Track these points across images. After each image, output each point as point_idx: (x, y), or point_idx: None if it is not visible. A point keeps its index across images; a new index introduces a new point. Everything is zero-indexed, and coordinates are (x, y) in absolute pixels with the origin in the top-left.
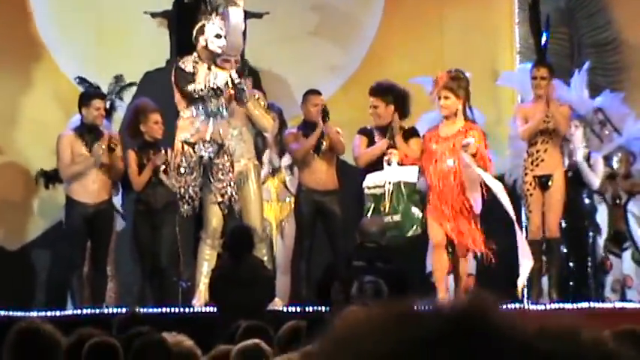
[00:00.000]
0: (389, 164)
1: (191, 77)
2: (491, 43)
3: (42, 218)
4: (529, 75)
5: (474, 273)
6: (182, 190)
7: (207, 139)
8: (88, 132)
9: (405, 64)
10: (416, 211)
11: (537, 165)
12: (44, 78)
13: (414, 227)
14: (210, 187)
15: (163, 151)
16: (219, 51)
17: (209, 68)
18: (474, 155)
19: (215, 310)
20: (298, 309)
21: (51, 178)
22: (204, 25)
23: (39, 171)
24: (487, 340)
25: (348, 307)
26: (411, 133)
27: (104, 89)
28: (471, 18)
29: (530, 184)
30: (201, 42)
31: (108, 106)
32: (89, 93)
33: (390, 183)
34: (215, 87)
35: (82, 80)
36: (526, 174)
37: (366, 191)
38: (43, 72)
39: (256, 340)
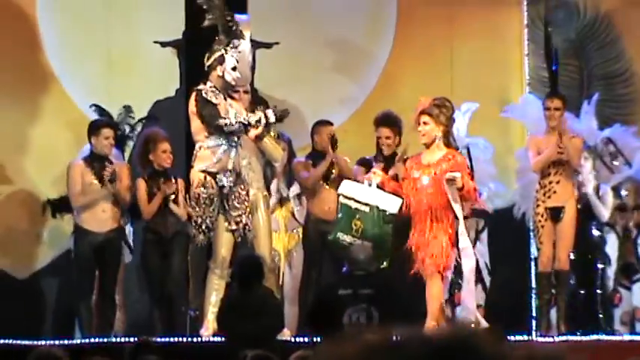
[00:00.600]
0: (369, 184)
1: (216, 109)
2: (501, 74)
3: (50, 247)
4: (542, 106)
5: (483, 304)
6: (199, 219)
7: (230, 168)
8: (97, 161)
9: (414, 94)
10: (389, 244)
11: (549, 197)
12: (53, 107)
13: (384, 262)
14: (221, 216)
15: (173, 180)
16: (233, 83)
17: (225, 99)
18: (460, 189)
19: (223, 339)
20: (306, 339)
21: (58, 207)
22: (223, 56)
23: (45, 201)
24: None
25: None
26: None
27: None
28: (481, 49)
29: (542, 216)
30: (218, 72)
31: (119, 135)
32: (98, 122)
33: (368, 204)
34: (247, 122)
35: (97, 108)
36: (538, 205)
37: (341, 199)
38: (53, 101)
39: None
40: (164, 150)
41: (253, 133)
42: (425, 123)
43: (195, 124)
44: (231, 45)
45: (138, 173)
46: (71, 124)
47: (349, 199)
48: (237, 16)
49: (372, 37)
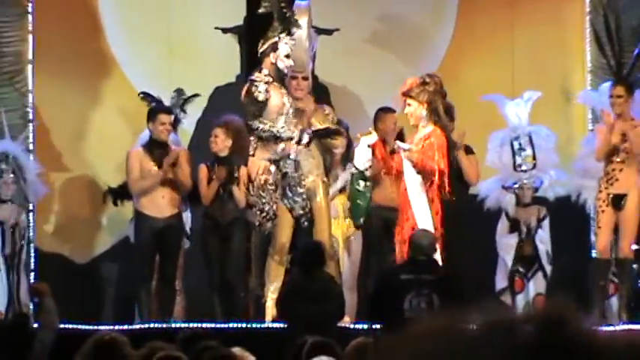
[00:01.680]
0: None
1: (262, 106)
2: (562, 61)
3: (110, 232)
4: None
5: (544, 293)
6: (266, 206)
7: (293, 156)
8: (156, 147)
9: (475, 81)
10: (360, 201)
11: (612, 184)
12: (114, 93)
13: (357, 220)
14: (281, 203)
15: (234, 168)
16: (286, 70)
17: (281, 88)
18: (414, 165)
19: (284, 325)
20: (365, 326)
21: (118, 194)
22: (277, 43)
23: (106, 189)
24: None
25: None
26: (467, 150)
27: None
28: (542, 36)
29: (604, 201)
30: (271, 58)
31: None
32: (155, 108)
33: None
34: (279, 135)
35: (145, 95)
36: (600, 191)
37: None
38: (113, 87)
39: (324, 358)
40: (216, 135)
41: (279, 148)
42: (409, 105)
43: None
44: (285, 32)
45: (198, 158)
46: (131, 110)
47: (365, 170)
48: (296, 2)
49: (433, 23)
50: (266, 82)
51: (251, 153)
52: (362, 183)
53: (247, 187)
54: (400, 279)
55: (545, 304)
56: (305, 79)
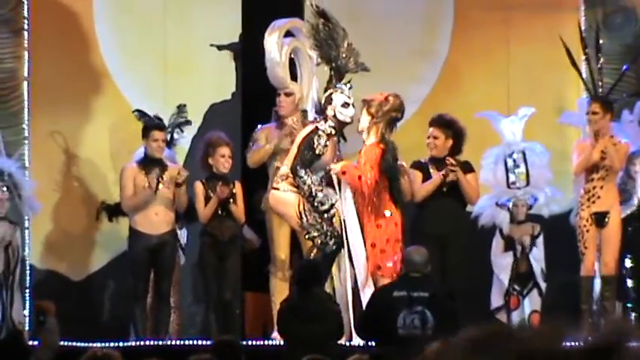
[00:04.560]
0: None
1: (316, 159)
2: (558, 78)
3: (106, 249)
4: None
5: (539, 310)
6: (324, 225)
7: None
8: (151, 164)
9: (471, 98)
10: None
11: (594, 202)
12: (109, 109)
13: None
14: (278, 219)
15: (231, 185)
16: (348, 120)
17: (336, 144)
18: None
19: (282, 343)
20: (360, 343)
21: (113, 211)
22: (331, 95)
23: (100, 204)
24: None
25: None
26: (468, 168)
27: (167, 120)
28: (538, 53)
29: (587, 221)
30: (329, 111)
31: (168, 137)
32: (148, 125)
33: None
34: (318, 204)
35: (140, 113)
36: (582, 210)
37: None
38: (108, 103)
39: None
40: (223, 154)
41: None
42: (362, 112)
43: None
44: (338, 81)
45: (198, 176)
46: (127, 127)
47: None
48: (274, 21)
49: (429, 40)
50: (328, 135)
51: (275, 186)
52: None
53: (299, 215)
54: (393, 296)
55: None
56: (287, 95)
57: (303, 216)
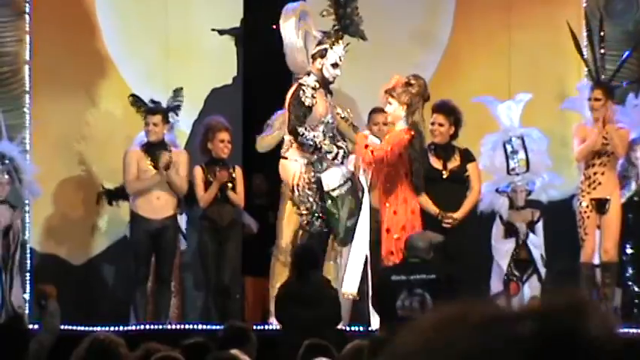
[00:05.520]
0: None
1: (308, 111)
2: (559, 65)
3: (106, 233)
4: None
5: (539, 296)
6: (314, 206)
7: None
8: (154, 147)
9: (473, 83)
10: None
11: (594, 188)
12: (110, 94)
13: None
14: (286, 204)
15: (231, 169)
16: (331, 79)
17: (325, 96)
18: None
19: (279, 328)
20: (361, 328)
21: (114, 195)
22: (327, 50)
23: (101, 189)
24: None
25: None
26: (468, 157)
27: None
28: (539, 39)
29: (588, 207)
30: (318, 64)
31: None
32: (145, 110)
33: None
34: (319, 147)
35: (135, 98)
36: (582, 196)
37: (332, 194)
38: (110, 88)
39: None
40: (222, 139)
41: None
42: (389, 103)
43: (289, 116)
44: (339, 41)
45: (195, 160)
46: (128, 111)
47: (337, 188)
48: (287, 5)
49: (430, 25)
50: (313, 88)
51: (283, 155)
52: (329, 202)
53: (292, 188)
54: (391, 280)
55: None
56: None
57: (296, 190)
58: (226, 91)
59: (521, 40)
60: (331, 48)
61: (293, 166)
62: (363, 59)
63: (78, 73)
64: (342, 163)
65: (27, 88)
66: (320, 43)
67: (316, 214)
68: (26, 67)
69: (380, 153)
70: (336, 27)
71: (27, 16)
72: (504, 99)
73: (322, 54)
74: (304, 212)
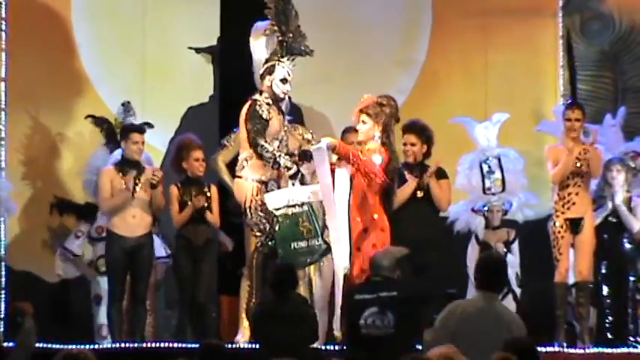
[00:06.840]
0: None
1: (266, 125)
2: (535, 85)
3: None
4: (562, 116)
5: None
6: (267, 226)
7: (276, 178)
8: (128, 166)
9: (449, 104)
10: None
11: (569, 208)
12: (87, 111)
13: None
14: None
15: (206, 189)
16: (282, 95)
17: (278, 113)
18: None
19: (257, 346)
20: (336, 347)
21: (65, 207)
22: (274, 66)
23: (53, 200)
24: None
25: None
26: (441, 175)
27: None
28: (516, 60)
29: (562, 227)
30: (267, 82)
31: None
32: (127, 127)
33: (301, 203)
34: (278, 163)
35: (93, 118)
36: (557, 216)
37: (276, 213)
38: (86, 105)
39: None
40: (197, 158)
41: (271, 172)
42: (363, 122)
43: (245, 135)
44: (286, 57)
45: (169, 179)
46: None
47: (282, 208)
48: (256, 24)
49: (407, 46)
50: (267, 104)
51: (238, 174)
52: (273, 221)
53: (244, 210)
54: (355, 299)
55: None
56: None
57: (248, 213)
58: (203, 110)
59: (497, 60)
60: (278, 64)
61: (246, 187)
62: (339, 79)
63: (54, 91)
64: (301, 184)
65: (3, 106)
66: (267, 61)
67: (270, 236)
68: (2, 85)
69: (373, 169)
70: (283, 42)
71: (3, 34)
72: (481, 119)
73: (270, 71)
74: (257, 234)
